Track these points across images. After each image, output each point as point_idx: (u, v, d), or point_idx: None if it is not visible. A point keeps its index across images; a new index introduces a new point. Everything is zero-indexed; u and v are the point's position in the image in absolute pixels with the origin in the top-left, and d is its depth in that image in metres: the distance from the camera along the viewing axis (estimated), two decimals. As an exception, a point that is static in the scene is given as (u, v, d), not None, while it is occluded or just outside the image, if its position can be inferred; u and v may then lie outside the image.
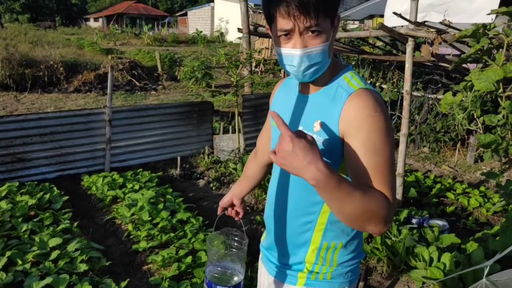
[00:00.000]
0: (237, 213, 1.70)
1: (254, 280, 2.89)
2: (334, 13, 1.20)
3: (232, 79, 5.74)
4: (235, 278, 1.36)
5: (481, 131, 3.12)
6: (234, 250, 1.39)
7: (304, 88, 1.36)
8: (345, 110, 1.19)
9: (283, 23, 1.17)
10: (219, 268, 1.37)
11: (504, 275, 1.81)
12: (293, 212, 1.39)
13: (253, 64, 6.42)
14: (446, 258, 3.17)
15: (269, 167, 1.70)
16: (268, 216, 1.50)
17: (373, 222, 1.12)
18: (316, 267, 1.38)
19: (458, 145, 6.27)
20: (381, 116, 1.17)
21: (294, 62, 1.20)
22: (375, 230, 1.13)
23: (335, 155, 1.24)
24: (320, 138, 1.24)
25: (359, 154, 1.17)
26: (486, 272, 1.74)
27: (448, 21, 3.82)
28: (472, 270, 2.81)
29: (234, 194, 1.70)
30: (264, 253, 1.57)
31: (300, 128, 1.32)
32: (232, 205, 1.70)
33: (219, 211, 1.69)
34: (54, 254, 3.12)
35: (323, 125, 1.24)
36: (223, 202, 1.69)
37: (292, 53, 1.19)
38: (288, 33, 1.18)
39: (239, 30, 6.26)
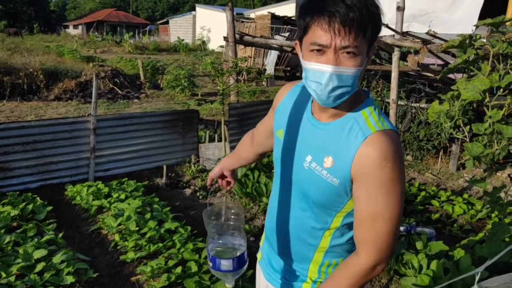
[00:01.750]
0: (228, 183, 1.69)
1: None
2: (373, 40, 1.14)
3: (218, 87, 5.73)
4: (238, 250, 1.37)
5: (468, 140, 3.18)
6: (232, 222, 1.39)
7: (317, 112, 1.29)
8: (359, 155, 1.15)
9: (320, 37, 1.09)
10: (220, 241, 1.37)
11: (495, 281, 1.84)
12: (296, 233, 1.38)
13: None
14: (435, 265, 3.20)
15: (262, 155, 1.71)
16: (270, 230, 1.48)
17: (371, 279, 1.28)
18: (320, 280, 1.38)
19: (441, 153, 6.37)
20: (393, 166, 1.14)
21: (322, 80, 1.11)
22: (378, 274, 1.28)
23: (343, 193, 1.23)
24: (329, 176, 1.22)
25: (363, 201, 1.18)
26: (477, 278, 1.76)
27: (433, 31, 3.90)
28: (461, 278, 2.85)
29: (224, 166, 1.69)
30: (264, 260, 1.55)
31: (309, 157, 1.27)
32: (222, 177, 1.69)
33: (208, 182, 1.69)
34: (39, 267, 3.03)
35: (334, 164, 1.20)
36: (213, 173, 1.68)
37: (323, 69, 1.11)
38: (322, 49, 1.10)
39: (225, 38, 6.27)
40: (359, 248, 1.23)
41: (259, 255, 1.62)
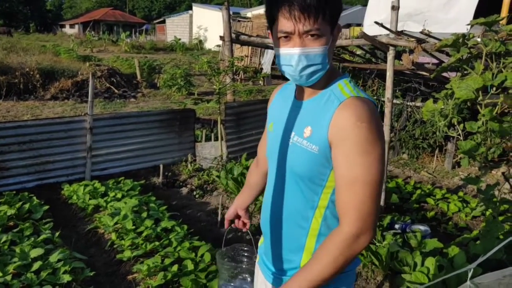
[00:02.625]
0: (244, 224, 1.71)
1: None
2: (334, 21, 1.23)
3: (215, 86, 5.74)
4: None
5: (462, 138, 3.20)
6: (244, 265, 1.38)
7: (299, 94, 1.38)
8: (335, 119, 1.21)
9: (284, 24, 1.20)
10: (232, 285, 1.36)
11: (487, 277, 1.86)
12: (288, 218, 1.40)
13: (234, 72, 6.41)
14: (430, 262, 3.22)
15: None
16: (264, 221, 1.51)
17: (357, 254, 1.21)
18: None
19: (436, 151, 6.40)
20: (368, 126, 1.17)
21: (292, 62, 1.23)
22: (364, 248, 1.21)
23: (324, 161, 1.26)
24: (310, 144, 1.26)
25: (341, 165, 1.20)
26: (470, 275, 1.79)
27: (428, 30, 3.92)
28: (455, 274, 2.88)
29: (238, 205, 1.71)
30: (262, 257, 1.57)
31: (292, 133, 1.33)
32: (237, 217, 1.71)
33: (226, 225, 1.70)
34: (36, 265, 3.04)
35: (313, 132, 1.26)
36: (228, 214, 1.70)
37: (291, 52, 1.22)
38: (288, 35, 1.21)
39: (221, 38, 6.27)
40: (341, 218, 1.24)
41: (258, 258, 1.63)
